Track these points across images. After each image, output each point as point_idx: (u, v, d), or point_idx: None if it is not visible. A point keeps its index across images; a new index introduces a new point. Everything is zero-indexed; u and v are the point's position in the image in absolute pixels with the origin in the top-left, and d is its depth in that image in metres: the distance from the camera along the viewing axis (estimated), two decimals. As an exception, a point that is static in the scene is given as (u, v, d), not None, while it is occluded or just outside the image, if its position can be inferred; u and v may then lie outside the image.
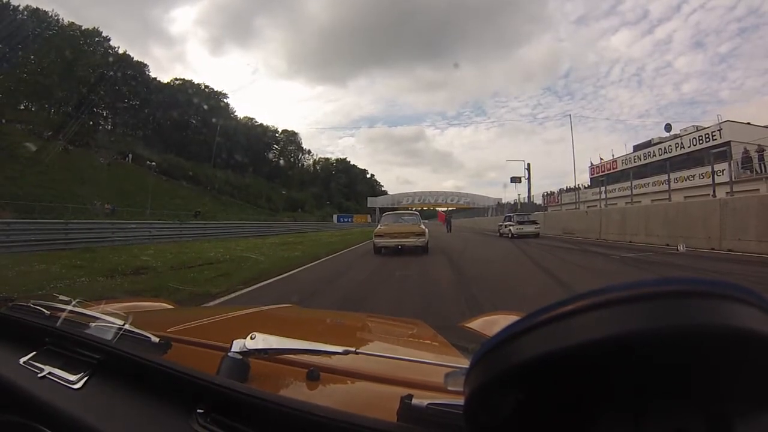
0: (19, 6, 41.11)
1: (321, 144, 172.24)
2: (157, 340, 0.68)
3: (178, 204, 36.74)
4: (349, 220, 62.77)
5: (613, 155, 32.09)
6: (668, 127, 28.05)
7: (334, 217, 62.77)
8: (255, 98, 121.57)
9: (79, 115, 41.54)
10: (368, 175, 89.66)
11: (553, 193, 34.99)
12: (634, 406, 0.29)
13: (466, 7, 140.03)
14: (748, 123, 21.42)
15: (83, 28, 49.38)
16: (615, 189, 23.82)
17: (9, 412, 0.62)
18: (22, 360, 0.68)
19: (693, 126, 25.71)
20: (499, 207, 39.79)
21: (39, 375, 0.64)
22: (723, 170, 14.03)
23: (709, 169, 14.47)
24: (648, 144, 29.05)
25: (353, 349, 0.62)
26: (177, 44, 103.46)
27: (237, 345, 0.60)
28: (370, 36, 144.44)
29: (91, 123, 46.03)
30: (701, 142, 22.10)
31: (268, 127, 73.81)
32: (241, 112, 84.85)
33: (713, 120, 23.40)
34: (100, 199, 29.13)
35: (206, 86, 64.28)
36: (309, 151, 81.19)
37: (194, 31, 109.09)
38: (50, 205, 24.29)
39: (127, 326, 0.69)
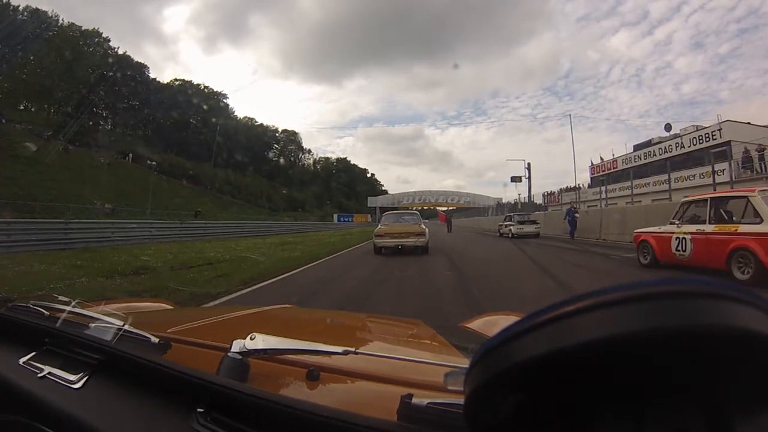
0: (18, 6, 41.19)
1: (321, 144, 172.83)
2: (156, 340, 0.68)
3: (179, 204, 36.69)
4: (350, 219, 62.77)
5: (613, 155, 32.09)
6: (668, 127, 28.07)
7: (335, 216, 62.79)
8: (255, 98, 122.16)
9: (79, 115, 41.54)
10: (368, 175, 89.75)
11: (554, 192, 34.96)
12: (634, 407, 0.29)
13: (465, 3, 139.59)
14: (749, 123, 21.41)
15: (83, 28, 49.48)
16: (615, 189, 23.76)
17: (9, 412, 0.62)
18: (21, 360, 0.68)
19: (693, 126, 25.70)
20: (500, 207, 39.63)
21: (39, 375, 0.64)
22: (723, 170, 14.02)
23: (709, 168, 14.44)
24: (648, 144, 29.02)
25: (353, 349, 0.62)
26: (175, 44, 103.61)
27: (237, 345, 0.60)
28: (368, 34, 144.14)
29: (91, 123, 46.02)
30: (701, 141, 22.07)
31: (268, 126, 73.99)
32: (241, 112, 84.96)
33: (713, 120, 23.41)
34: (100, 199, 29.16)
35: (206, 86, 64.53)
36: (309, 151, 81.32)
37: (191, 31, 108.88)
38: (50, 205, 24.29)
39: (126, 327, 0.69)
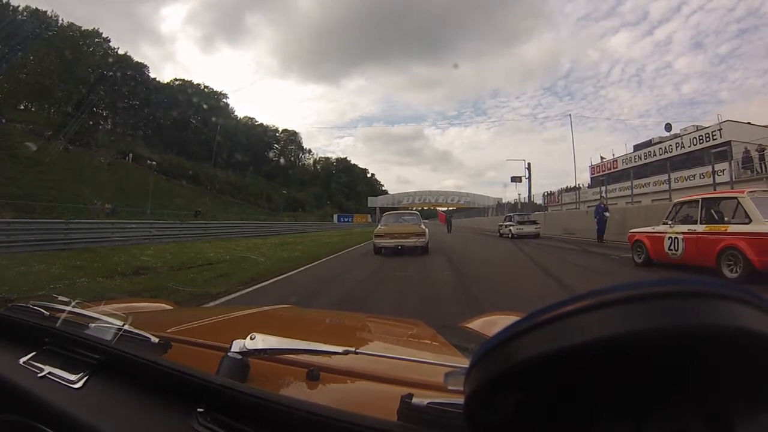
0: (18, 6, 41.19)
1: (321, 144, 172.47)
2: (156, 340, 0.68)
3: (179, 204, 36.67)
4: (350, 220, 62.76)
5: (613, 155, 32.12)
6: (668, 127, 28.10)
7: (335, 217, 62.76)
8: (255, 98, 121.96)
9: (79, 115, 41.53)
10: (368, 175, 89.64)
11: (554, 193, 34.94)
12: (634, 407, 0.29)
13: (465, 1, 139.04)
14: (749, 123, 21.41)
15: (83, 28, 49.48)
16: (615, 189, 23.76)
17: (9, 412, 0.62)
18: (21, 360, 0.68)
19: (693, 126, 25.70)
20: (500, 207, 39.60)
21: (39, 375, 0.64)
22: (723, 170, 14.00)
23: (709, 168, 14.44)
24: (648, 144, 29.03)
25: (353, 349, 0.63)
26: (174, 44, 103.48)
27: (237, 345, 0.60)
28: (367, 33, 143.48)
29: (91, 123, 45.96)
30: (701, 141, 22.08)
31: (268, 126, 73.91)
32: (241, 113, 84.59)
33: (713, 120, 23.44)
34: (100, 199, 29.13)
35: (206, 86, 64.39)
36: (309, 151, 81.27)
37: (189, 31, 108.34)
38: (50, 205, 24.28)
39: (126, 327, 0.69)
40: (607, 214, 13.87)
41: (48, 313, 0.78)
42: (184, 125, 57.39)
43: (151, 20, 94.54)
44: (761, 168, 16.35)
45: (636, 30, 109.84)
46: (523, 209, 28.23)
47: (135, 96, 53.52)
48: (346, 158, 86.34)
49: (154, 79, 57.48)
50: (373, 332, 1.27)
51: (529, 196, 34.16)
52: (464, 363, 0.42)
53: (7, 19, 37.43)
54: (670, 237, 6.56)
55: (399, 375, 0.65)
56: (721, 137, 20.16)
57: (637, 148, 30.21)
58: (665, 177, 16.22)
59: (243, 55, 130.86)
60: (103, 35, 51.53)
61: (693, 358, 0.27)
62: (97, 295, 4.37)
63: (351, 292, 5.65)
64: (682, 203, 6.82)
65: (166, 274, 6.88)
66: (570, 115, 69.89)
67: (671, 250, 6.53)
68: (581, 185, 29.31)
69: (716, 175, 13.27)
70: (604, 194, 17.87)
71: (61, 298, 0.83)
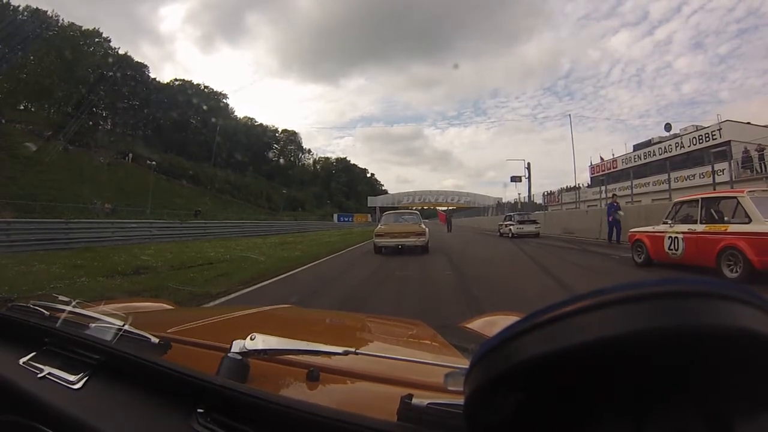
0: (19, 6, 41.17)
1: (320, 144, 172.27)
2: (156, 340, 0.68)
3: (179, 203, 36.68)
4: (350, 219, 62.78)
5: (613, 155, 32.13)
6: (668, 127, 28.11)
7: (335, 216, 62.74)
8: (255, 98, 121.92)
9: (79, 115, 41.51)
10: (368, 175, 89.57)
11: (553, 192, 34.93)
12: (634, 407, 0.29)
13: (464, 0, 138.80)
14: (748, 122, 21.42)
15: (83, 28, 49.44)
16: (615, 188, 23.66)
17: (9, 412, 0.62)
18: (21, 360, 0.68)
19: (693, 126, 25.71)
20: (499, 206, 39.59)
21: (39, 375, 0.64)
22: (723, 170, 14.00)
23: (709, 168, 14.43)
24: (648, 143, 29.03)
25: (353, 349, 0.62)
26: (173, 44, 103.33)
27: (237, 346, 0.60)
28: (367, 32, 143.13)
29: (90, 123, 45.90)
30: (701, 141, 22.08)
31: (267, 126, 73.85)
32: (240, 113, 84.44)
33: (713, 120, 23.43)
34: (100, 199, 29.11)
35: (206, 86, 64.33)
36: (309, 151, 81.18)
37: (189, 30, 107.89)
38: (50, 205, 24.27)
39: (126, 327, 0.69)
40: (621, 213, 12.82)
41: (48, 313, 0.78)
42: (183, 125, 57.30)
43: (151, 20, 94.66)
44: (761, 168, 16.34)
45: (636, 30, 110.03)
46: (523, 209, 28.20)
47: (135, 96, 53.43)
48: (345, 158, 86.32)
49: (154, 79, 57.48)
50: (373, 332, 1.27)
51: (529, 196, 34.16)
52: (464, 363, 0.42)
53: (8, 19, 37.39)
54: (670, 237, 6.57)
55: (399, 375, 0.65)
56: (720, 137, 20.16)
57: (636, 147, 30.21)
58: (665, 177, 16.22)
59: (243, 55, 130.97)
60: (104, 35, 51.59)
61: (693, 358, 0.26)
62: (97, 294, 4.37)
63: (351, 291, 5.65)
64: (682, 203, 6.82)
65: (166, 273, 6.88)
66: (570, 115, 69.86)
67: (671, 249, 6.54)
68: (581, 185, 29.33)
69: (716, 175, 13.27)
70: (614, 192, 16.43)
71: (61, 297, 0.83)
